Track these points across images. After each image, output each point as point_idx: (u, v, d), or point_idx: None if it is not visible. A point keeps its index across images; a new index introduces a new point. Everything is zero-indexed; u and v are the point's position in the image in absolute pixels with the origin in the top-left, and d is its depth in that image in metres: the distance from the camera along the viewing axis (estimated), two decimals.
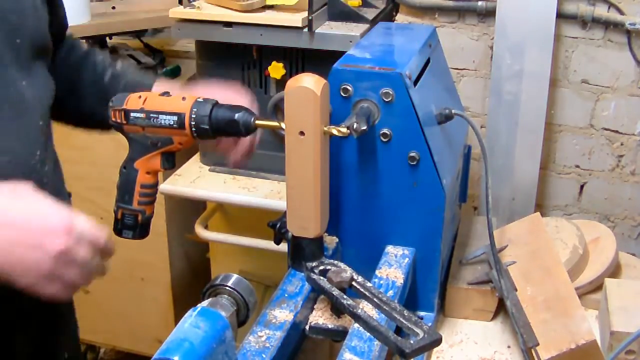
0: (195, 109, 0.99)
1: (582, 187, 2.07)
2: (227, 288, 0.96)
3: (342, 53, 1.29)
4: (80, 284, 0.87)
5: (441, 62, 1.51)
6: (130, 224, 1.08)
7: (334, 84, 1.15)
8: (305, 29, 1.67)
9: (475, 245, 1.47)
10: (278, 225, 1.18)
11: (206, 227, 1.92)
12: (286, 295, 1.09)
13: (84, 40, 2.28)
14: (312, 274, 1.07)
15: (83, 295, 1.33)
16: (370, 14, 1.84)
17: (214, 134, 1.00)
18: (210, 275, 2.07)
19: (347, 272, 1.05)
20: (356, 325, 1.01)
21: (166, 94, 1.03)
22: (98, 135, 1.24)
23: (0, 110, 0.94)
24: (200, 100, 1.00)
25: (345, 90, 1.17)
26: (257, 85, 1.80)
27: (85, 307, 1.34)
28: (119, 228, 1.09)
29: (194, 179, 1.83)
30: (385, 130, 1.18)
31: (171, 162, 1.06)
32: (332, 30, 1.70)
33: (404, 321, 0.94)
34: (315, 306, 1.12)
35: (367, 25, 1.74)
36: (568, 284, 1.32)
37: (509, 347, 1.30)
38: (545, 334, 1.22)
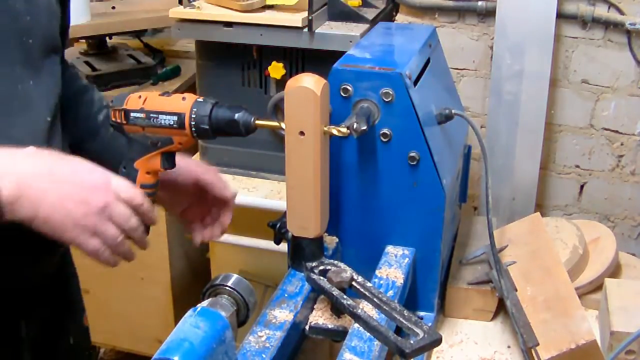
0: (195, 109, 0.99)
1: (582, 187, 2.07)
2: (227, 288, 0.96)
3: (342, 53, 1.29)
4: (120, 247, 0.91)
5: (441, 62, 1.51)
6: None
7: (334, 84, 1.14)
8: (305, 29, 1.67)
9: (475, 245, 1.47)
10: (278, 225, 1.18)
11: None
12: (286, 295, 1.09)
13: (85, 41, 2.30)
14: (312, 274, 1.07)
15: (83, 295, 1.34)
16: (370, 14, 1.84)
17: (214, 134, 1.00)
18: (210, 275, 2.07)
19: (347, 272, 1.05)
20: (356, 325, 1.01)
21: (166, 93, 1.03)
22: None
23: (8, 107, 0.95)
24: (200, 100, 1.00)
25: (345, 90, 1.17)
26: (257, 85, 1.80)
27: (85, 306, 1.34)
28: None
29: None
30: (385, 130, 1.18)
31: (171, 162, 1.05)
32: (332, 30, 1.70)
33: (404, 321, 0.94)
34: (315, 306, 1.12)
35: (367, 25, 1.74)
36: (568, 284, 1.32)
37: (509, 347, 1.30)
38: (545, 334, 1.22)
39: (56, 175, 0.85)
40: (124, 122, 1.02)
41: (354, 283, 1.03)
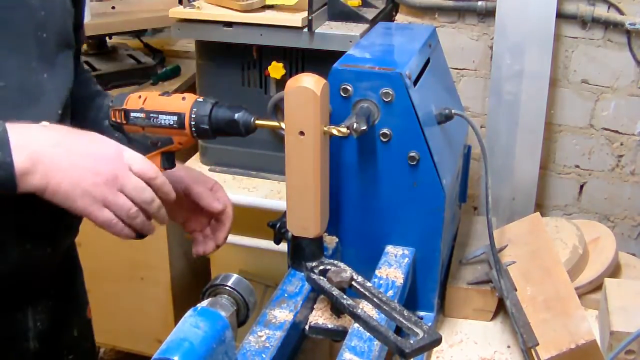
0: (195, 109, 0.99)
1: (582, 187, 2.07)
2: (227, 288, 0.96)
3: (342, 53, 1.29)
4: (134, 220, 0.91)
5: (441, 62, 1.51)
6: None
7: (334, 84, 1.15)
8: (305, 29, 1.67)
9: (475, 245, 1.47)
10: (278, 225, 1.18)
11: None
12: (286, 295, 1.09)
13: (85, 41, 2.29)
14: (312, 274, 1.07)
15: None
16: (370, 14, 1.84)
17: (214, 133, 1.00)
18: (210, 275, 2.07)
19: (347, 272, 1.05)
20: (356, 325, 1.01)
21: (166, 93, 1.03)
22: None
23: (22, 97, 0.97)
24: (200, 100, 1.00)
25: (345, 90, 1.17)
26: (257, 85, 1.80)
27: None
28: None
29: None
30: (385, 130, 1.18)
31: (171, 162, 1.05)
32: (332, 30, 1.70)
33: (403, 321, 0.94)
34: (315, 306, 1.12)
35: (367, 25, 1.74)
36: (568, 284, 1.32)
37: (508, 347, 1.30)
38: (545, 333, 1.22)
39: (67, 146, 0.86)
40: (124, 122, 1.02)
41: (353, 283, 1.03)
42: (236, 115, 0.99)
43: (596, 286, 1.42)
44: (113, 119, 1.04)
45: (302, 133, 1.00)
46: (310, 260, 1.09)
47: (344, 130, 1.03)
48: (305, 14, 1.66)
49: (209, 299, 0.95)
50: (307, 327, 1.10)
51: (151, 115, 1.01)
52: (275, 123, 1.02)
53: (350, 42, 1.64)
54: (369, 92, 1.17)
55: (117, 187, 0.88)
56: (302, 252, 1.09)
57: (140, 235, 1.09)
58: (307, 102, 0.98)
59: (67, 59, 1.08)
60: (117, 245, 1.27)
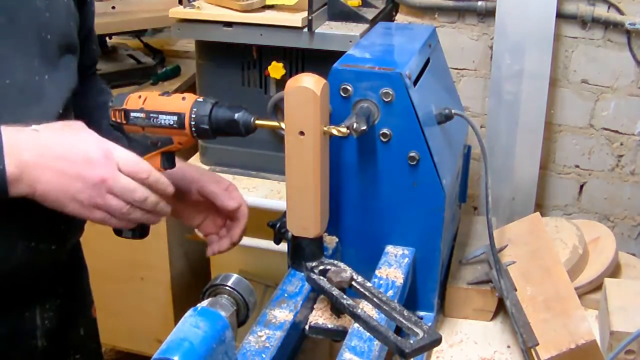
0: (195, 109, 0.99)
1: (582, 187, 2.07)
2: (227, 288, 0.96)
3: (342, 53, 1.29)
4: (129, 216, 0.92)
5: (441, 62, 1.51)
6: None
7: (333, 84, 1.15)
8: (305, 29, 1.68)
9: (475, 245, 1.47)
10: (278, 225, 1.18)
11: None
12: (286, 295, 1.09)
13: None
14: (312, 273, 1.07)
15: None
16: (370, 14, 1.84)
17: (214, 133, 1.00)
18: (210, 275, 2.07)
19: (347, 272, 1.05)
20: (356, 325, 1.01)
21: (166, 93, 1.03)
22: None
23: (23, 97, 0.98)
24: (200, 100, 1.00)
25: (345, 90, 1.17)
26: (257, 85, 1.81)
27: None
28: (119, 228, 1.09)
29: None
30: (385, 130, 1.18)
31: (171, 162, 1.05)
32: (332, 30, 1.70)
33: (403, 321, 0.94)
34: (315, 306, 1.12)
35: (367, 25, 1.74)
36: (568, 284, 1.32)
37: (508, 347, 1.30)
38: (545, 333, 1.22)
39: (55, 153, 0.87)
40: (124, 122, 1.02)
41: (353, 283, 1.03)
42: (236, 115, 0.99)
43: (596, 286, 1.42)
44: (113, 119, 1.04)
45: (302, 133, 1.00)
46: (310, 260, 1.09)
47: (344, 130, 1.03)
48: (305, 14, 1.66)
49: (209, 299, 0.95)
50: (307, 327, 1.10)
51: (151, 115, 1.01)
52: (275, 123, 1.02)
53: (350, 42, 1.64)
54: (369, 92, 1.17)
55: (105, 190, 0.89)
56: (302, 252, 1.09)
57: (140, 235, 1.10)
58: (307, 102, 0.98)
59: (70, 62, 1.08)
60: (117, 245, 1.26)
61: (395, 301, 0.99)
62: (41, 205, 0.99)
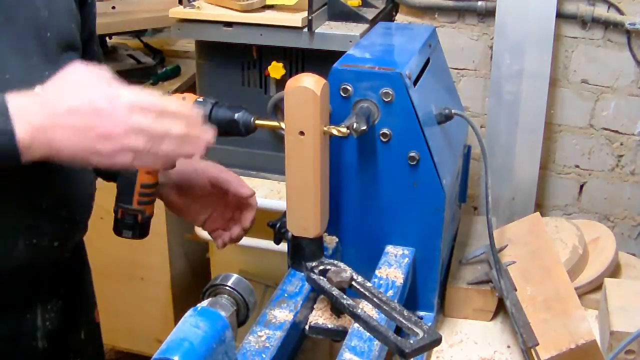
0: (195, 109, 0.99)
1: (581, 187, 2.07)
2: (227, 288, 0.96)
3: (342, 53, 1.29)
4: (157, 149, 0.86)
5: (441, 62, 1.51)
6: (130, 224, 1.09)
7: (334, 84, 1.15)
8: (305, 29, 1.68)
9: (475, 245, 1.47)
10: (278, 225, 1.18)
11: None
12: (286, 295, 1.09)
13: None
14: (312, 273, 1.07)
15: None
16: (370, 14, 1.84)
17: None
18: (210, 275, 2.07)
19: (347, 272, 1.05)
20: (356, 325, 1.01)
21: (166, 93, 1.03)
22: None
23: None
24: (200, 100, 1.00)
25: (345, 90, 1.17)
26: (257, 85, 1.81)
27: None
28: (119, 228, 1.09)
29: None
30: (385, 130, 1.18)
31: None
32: (332, 30, 1.70)
33: (403, 321, 0.94)
34: (315, 306, 1.12)
35: (367, 25, 1.74)
36: (568, 284, 1.32)
37: (508, 347, 1.30)
38: (545, 333, 1.22)
39: (61, 109, 0.84)
40: None
41: (353, 283, 1.03)
42: (236, 115, 0.99)
43: (596, 286, 1.42)
44: None
45: (302, 133, 1.00)
46: (310, 260, 1.09)
47: (344, 130, 1.03)
48: (305, 14, 1.66)
49: (209, 299, 0.95)
50: (307, 327, 1.10)
51: None
52: (275, 123, 1.02)
53: (350, 42, 1.64)
54: (369, 92, 1.17)
55: (122, 134, 0.83)
56: (302, 252, 1.09)
57: (140, 235, 1.10)
58: (307, 102, 0.98)
59: (72, 60, 1.08)
60: (117, 245, 1.26)
61: (395, 301, 0.99)
62: (42, 202, 0.99)
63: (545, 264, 1.36)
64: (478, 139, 1.31)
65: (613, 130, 1.98)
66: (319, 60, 1.68)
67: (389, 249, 1.25)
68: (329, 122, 1.04)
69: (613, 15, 1.86)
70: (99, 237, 1.28)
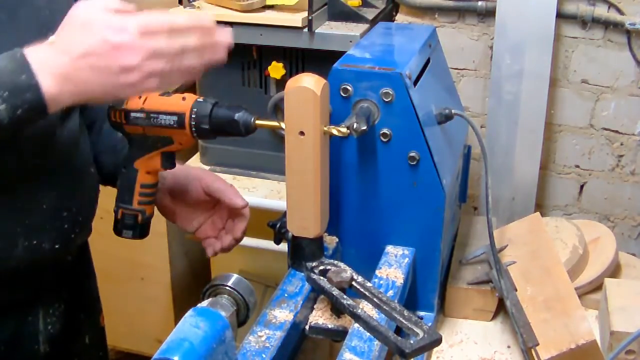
0: (195, 109, 0.99)
1: (582, 187, 2.07)
2: (227, 288, 0.96)
3: (342, 53, 1.29)
4: (185, 64, 0.86)
5: (441, 62, 1.51)
6: (130, 224, 1.08)
7: (334, 84, 1.15)
8: (305, 29, 1.68)
9: (475, 245, 1.47)
10: (278, 225, 1.18)
11: None
12: (286, 295, 1.09)
13: None
14: (312, 274, 1.07)
15: None
16: (370, 14, 1.84)
17: (214, 133, 1.00)
18: (210, 275, 2.07)
19: (347, 272, 1.05)
20: (356, 325, 1.01)
21: (166, 93, 1.03)
22: None
23: None
24: (200, 100, 1.00)
25: (345, 90, 1.17)
26: (257, 85, 1.81)
27: None
28: (119, 228, 1.09)
29: None
30: (385, 130, 1.18)
31: (171, 162, 1.06)
32: (332, 30, 1.70)
33: (404, 321, 0.94)
34: (315, 306, 1.12)
35: (367, 25, 1.74)
36: (568, 284, 1.32)
37: (509, 347, 1.30)
38: (545, 333, 1.22)
39: (77, 53, 0.83)
40: (124, 122, 1.02)
41: (354, 283, 1.03)
42: (236, 115, 0.99)
43: (596, 286, 1.42)
44: (113, 119, 1.04)
45: (302, 133, 1.00)
46: (310, 260, 1.09)
47: (344, 130, 1.03)
48: (305, 14, 1.66)
49: (209, 299, 0.95)
50: (307, 327, 1.10)
51: (151, 115, 1.01)
52: (275, 123, 1.02)
53: (350, 42, 1.64)
54: (369, 92, 1.17)
55: (141, 63, 0.83)
56: (302, 252, 1.09)
57: (140, 235, 1.10)
58: (307, 102, 0.98)
59: None
60: (117, 245, 1.26)
61: (396, 301, 0.99)
62: (42, 201, 0.99)
63: (545, 264, 1.36)
64: (478, 139, 1.31)
65: (613, 130, 1.98)
66: (319, 60, 1.68)
67: (389, 249, 1.25)
68: (329, 122, 1.04)
69: (613, 15, 1.86)
70: (100, 237, 1.28)
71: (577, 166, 2.05)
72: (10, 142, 0.90)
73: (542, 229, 1.46)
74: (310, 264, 1.09)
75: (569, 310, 1.25)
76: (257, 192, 1.82)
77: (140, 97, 1.02)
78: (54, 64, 0.83)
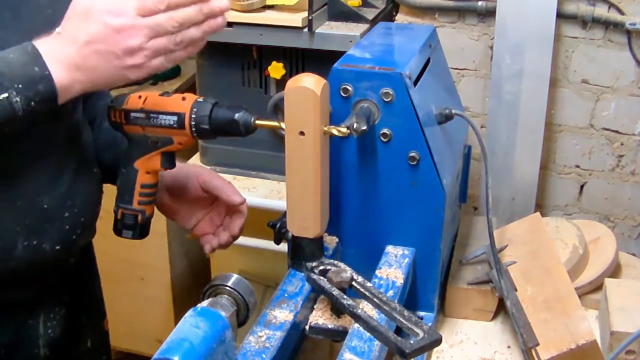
0: (195, 109, 0.99)
1: (582, 187, 2.07)
2: (227, 288, 0.96)
3: (342, 53, 1.29)
4: (187, 36, 0.89)
5: (441, 62, 1.51)
6: (130, 224, 1.08)
7: (334, 84, 1.14)
8: (305, 29, 1.67)
9: (475, 245, 1.47)
10: (278, 225, 1.18)
11: None
12: (286, 295, 1.09)
13: None
14: (312, 274, 1.07)
15: None
16: (370, 14, 1.84)
17: (214, 133, 1.00)
18: (210, 275, 2.07)
19: (347, 272, 1.05)
20: (356, 325, 1.01)
21: (166, 93, 1.03)
22: None
23: None
24: (200, 100, 1.00)
25: (345, 90, 1.17)
26: (257, 85, 1.80)
27: None
28: (119, 228, 1.09)
29: None
30: (385, 130, 1.18)
31: (171, 162, 1.06)
32: (332, 30, 1.70)
33: (404, 321, 0.94)
34: (315, 306, 1.12)
35: (367, 25, 1.74)
36: (568, 284, 1.32)
37: (509, 347, 1.30)
38: (545, 334, 1.22)
39: (83, 41, 0.85)
40: (124, 122, 1.03)
41: (354, 283, 1.03)
42: (236, 115, 0.99)
43: (596, 286, 1.42)
44: (113, 119, 1.04)
45: (302, 133, 1.00)
46: (311, 260, 1.09)
47: (344, 130, 1.03)
48: (305, 14, 1.66)
49: (209, 299, 0.95)
50: (307, 327, 1.10)
51: (151, 115, 1.01)
52: (275, 123, 1.02)
53: (350, 42, 1.64)
54: (369, 92, 1.17)
55: (144, 43, 0.85)
56: (302, 252, 1.09)
57: (140, 235, 1.10)
58: (307, 102, 0.98)
59: None
60: (117, 245, 1.26)
61: (396, 301, 0.99)
62: (43, 201, 0.98)
63: (545, 264, 1.36)
64: (478, 139, 1.31)
65: (613, 130, 1.98)
66: (319, 60, 1.68)
67: (389, 249, 1.25)
68: (329, 122, 1.04)
69: (613, 15, 1.86)
70: (99, 238, 1.28)
71: (577, 166, 2.05)
72: (22, 135, 0.91)
73: (542, 229, 1.46)
74: (310, 264, 1.09)
75: (569, 310, 1.25)
76: (257, 192, 1.82)
77: (140, 97, 1.02)
78: (62, 55, 0.85)
